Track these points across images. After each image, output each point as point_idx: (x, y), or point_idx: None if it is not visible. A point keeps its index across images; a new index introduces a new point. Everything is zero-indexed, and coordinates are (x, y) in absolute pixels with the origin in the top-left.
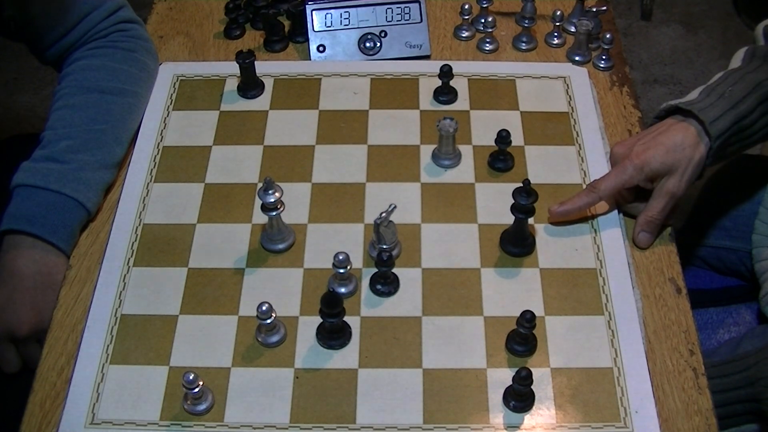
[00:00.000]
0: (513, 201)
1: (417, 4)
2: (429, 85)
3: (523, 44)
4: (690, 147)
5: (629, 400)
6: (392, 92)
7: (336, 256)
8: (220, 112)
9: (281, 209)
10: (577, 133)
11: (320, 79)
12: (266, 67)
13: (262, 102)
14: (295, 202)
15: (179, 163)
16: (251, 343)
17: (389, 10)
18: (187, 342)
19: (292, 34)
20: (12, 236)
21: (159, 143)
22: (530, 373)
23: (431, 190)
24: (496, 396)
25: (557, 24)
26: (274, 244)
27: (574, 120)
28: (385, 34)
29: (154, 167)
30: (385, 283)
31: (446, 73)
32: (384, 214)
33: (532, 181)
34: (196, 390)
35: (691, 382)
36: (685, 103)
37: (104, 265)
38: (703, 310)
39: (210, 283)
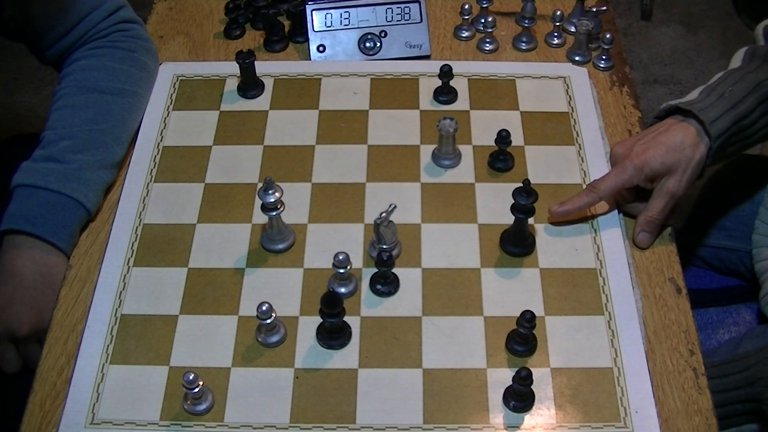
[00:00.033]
0: (513, 201)
1: (417, 4)
2: (429, 85)
3: (523, 44)
4: (690, 147)
5: (629, 400)
6: (392, 92)
7: (336, 256)
8: (220, 112)
9: (281, 209)
10: (577, 133)
11: (320, 79)
12: (266, 67)
13: (262, 102)
14: (295, 202)
15: (179, 163)
16: (251, 343)
17: (389, 10)
18: (187, 342)
19: (292, 34)
20: (12, 236)
21: (159, 143)
22: (530, 373)
23: (431, 190)
24: (496, 396)
25: (557, 24)
26: (274, 244)
27: (574, 120)
28: (385, 34)
29: (154, 167)
30: (385, 283)
31: (446, 73)
32: (384, 214)
33: (532, 181)
34: (196, 390)
35: (691, 382)
36: (685, 103)
37: (104, 265)
38: (703, 310)
39: (210, 283)
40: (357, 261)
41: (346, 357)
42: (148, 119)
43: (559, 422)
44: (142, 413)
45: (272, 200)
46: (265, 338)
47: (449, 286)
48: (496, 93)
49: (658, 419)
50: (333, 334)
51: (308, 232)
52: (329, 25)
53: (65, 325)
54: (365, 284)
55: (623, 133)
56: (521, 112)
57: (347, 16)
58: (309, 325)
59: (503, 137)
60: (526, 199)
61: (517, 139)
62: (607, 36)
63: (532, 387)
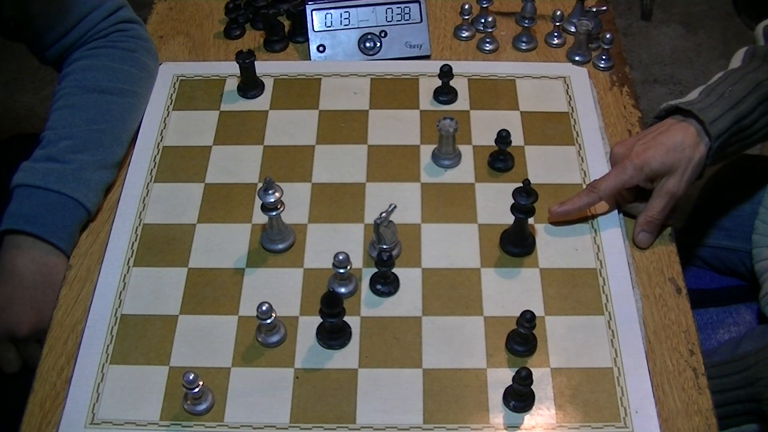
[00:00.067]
0: (513, 201)
1: (417, 4)
2: (429, 85)
3: (523, 44)
4: (690, 147)
5: (629, 400)
6: (392, 92)
7: (336, 256)
8: (220, 112)
9: (281, 209)
10: (577, 133)
11: (320, 79)
12: (266, 67)
13: (262, 102)
14: (295, 202)
15: (179, 163)
16: (251, 343)
17: (389, 10)
18: (187, 342)
19: (292, 34)
20: (12, 236)
21: (159, 143)
22: (530, 373)
23: (431, 190)
24: (496, 396)
25: (557, 24)
26: (274, 244)
27: (574, 120)
28: (385, 34)
29: (154, 167)
30: (385, 283)
31: (446, 73)
32: (384, 214)
33: (532, 181)
34: (196, 390)
35: (691, 382)
36: (685, 103)
37: (104, 265)
38: (703, 310)
39: (210, 283)
40: (357, 261)
41: (346, 357)
42: (148, 119)
43: (559, 422)
44: (142, 413)
45: (272, 200)
46: (265, 338)
47: (449, 286)
48: (496, 93)
49: (658, 419)
50: (333, 334)
51: (308, 232)
52: (329, 25)
53: (65, 325)
54: (365, 284)
55: (623, 133)
56: (521, 112)
57: (347, 16)
58: (309, 325)
59: (503, 137)
60: (526, 199)
61: (517, 139)
62: (607, 36)
63: (532, 387)
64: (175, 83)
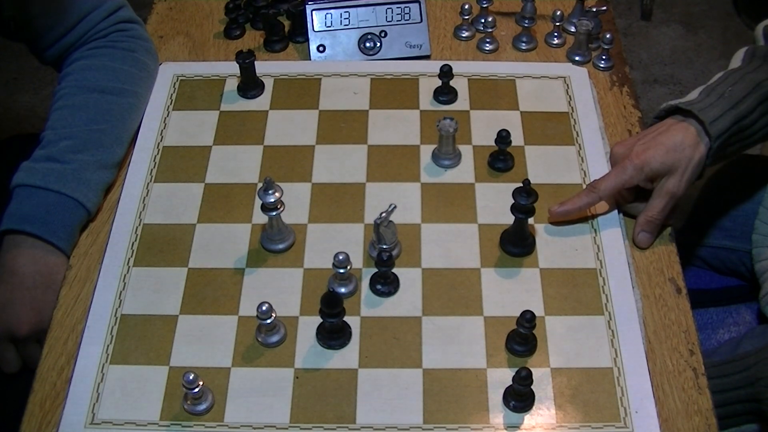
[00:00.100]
0: (513, 201)
1: (417, 4)
2: (429, 85)
3: (523, 44)
4: (690, 147)
5: (629, 400)
6: (392, 92)
7: (336, 256)
8: (220, 112)
9: (281, 209)
10: (577, 133)
11: (320, 79)
12: (266, 67)
13: (262, 102)
14: (295, 202)
15: (179, 163)
16: (251, 343)
17: (389, 10)
18: (187, 342)
19: (292, 34)
20: (12, 236)
21: (159, 143)
22: (530, 373)
23: (431, 190)
24: (496, 396)
25: (557, 24)
26: (274, 244)
27: (574, 120)
28: (385, 34)
29: (154, 167)
30: (385, 283)
31: (446, 73)
32: (384, 214)
33: (532, 181)
34: (196, 390)
35: (691, 382)
36: (685, 103)
37: (104, 265)
38: (703, 310)
39: (210, 283)
40: (357, 261)
41: (346, 357)
42: (148, 119)
43: (559, 422)
44: (142, 413)
45: (272, 200)
46: (265, 338)
47: (449, 286)
48: (496, 93)
49: (658, 419)
50: (333, 334)
51: (308, 232)
52: (329, 25)
53: (65, 325)
54: (365, 284)
55: (623, 133)
56: (521, 112)
57: (347, 16)
58: (309, 325)
59: (503, 137)
60: (526, 199)
61: (517, 139)
62: (607, 36)
63: (532, 387)
64: (175, 83)
